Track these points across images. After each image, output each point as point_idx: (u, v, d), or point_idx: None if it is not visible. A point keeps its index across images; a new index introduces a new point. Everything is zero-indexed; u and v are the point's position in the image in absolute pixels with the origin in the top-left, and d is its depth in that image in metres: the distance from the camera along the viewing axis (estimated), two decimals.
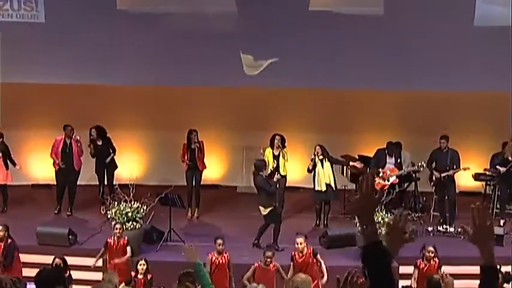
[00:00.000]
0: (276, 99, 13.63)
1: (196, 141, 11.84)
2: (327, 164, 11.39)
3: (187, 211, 11.99)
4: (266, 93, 13.31)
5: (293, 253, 8.92)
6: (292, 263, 8.87)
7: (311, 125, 13.63)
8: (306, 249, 8.90)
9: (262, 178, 10.53)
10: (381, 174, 11.63)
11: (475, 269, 8.69)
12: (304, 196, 12.41)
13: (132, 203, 10.05)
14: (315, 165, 11.38)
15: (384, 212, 9.93)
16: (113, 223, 9.86)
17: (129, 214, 9.99)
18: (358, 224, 2.33)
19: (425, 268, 8.70)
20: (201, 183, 12.23)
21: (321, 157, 11.36)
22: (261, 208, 10.54)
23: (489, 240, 2.65)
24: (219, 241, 8.86)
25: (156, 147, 13.84)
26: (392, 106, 13.47)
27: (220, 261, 8.84)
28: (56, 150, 11.92)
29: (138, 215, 10.08)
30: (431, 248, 8.59)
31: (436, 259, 8.64)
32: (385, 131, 12.98)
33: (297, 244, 8.86)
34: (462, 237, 10.82)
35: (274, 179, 10.61)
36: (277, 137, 11.76)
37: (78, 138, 11.92)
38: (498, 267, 2.91)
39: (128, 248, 9.29)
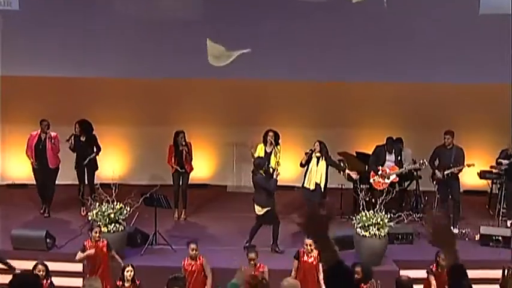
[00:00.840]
0: (269, 93, 13.62)
1: (184, 144, 11.79)
2: (322, 162, 11.31)
3: (174, 212, 11.97)
4: (258, 86, 13.27)
5: (300, 251, 8.83)
6: (296, 262, 8.75)
7: (306, 120, 13.65)
8: (315, 251, 8.78)
9: (262, 177, 10.50)
10: (380, 173, 11.63)
11: (482, 273, 8.63)
12: (298, 194, 12.34)
13: (115, 203, 9.97)
14: (309, 161, 11.34)
15: (384, 213, 9.89)
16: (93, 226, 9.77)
17: (112, 216, 9.91)
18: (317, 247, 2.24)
19: (438, 275, 8.59)
20: (189, 182, 12.19)
21: (318, 154, 11.30)
22: (257, 207, 10.50)
23: (449, 241, 2.71)
24: (192, 246, 8.74)
25: (141, 144, 13.81)
26: (393, 100, 13.47)
27: (194, 268, 8.75)
28: (30, 146, 11.84)
29: (121, 217, 10.01)
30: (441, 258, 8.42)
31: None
32: (385, 126, 12.98)
33: (306, 245, 8.77)
34: (467, 238, 10.84)
35: (274, 177, 10.54)
36: (270, 133, 11.70)
37: (54, 134, 11.79)
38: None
39: (113, 252, 9.11)
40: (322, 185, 11.30)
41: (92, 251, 8.93)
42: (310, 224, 2.57)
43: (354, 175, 11.49)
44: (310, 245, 8.73)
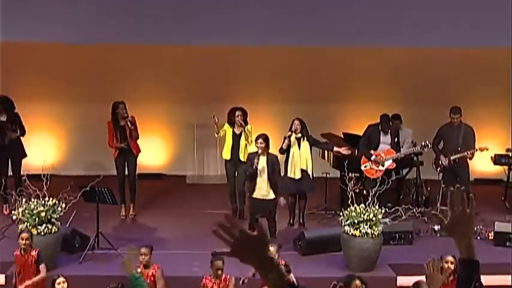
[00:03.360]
0: (238, 62, 13.58)
1: (126, 116, 11.71)
2: (304, 144, 11.34)
3: (121, 209, 11.95)
4: (224, 53, 13.21)
5: None
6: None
7: (283, 94, 13.68)
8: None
9: (253, 155, 10.57)
10: (373, 158, 11.66)
11: (496, 280, 8.63)
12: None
13: (46, 199, 9.86)
14: (289, 145, 11.32)
15: (377, 207, 9.92)
16: (19, 227, 9.64)
17: (42, 214, 9.76)
18: (258, 273, 2.27)
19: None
20: (140, 171, 12.21)
21: (299, 135, 11.33)
22: None
23: (468, 231, 2.87)
24: (143, 250, 8.61)
25: (78, 126, 13.75)
26: (388, 69, 13.53)
27: (146, 278, 8.57)
28: None
29: (55, 215, 9.89)
30: (450, 258, 8.22)
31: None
32: (379, 101, 13.05)
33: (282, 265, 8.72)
34: (479, 237, 10.89)
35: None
36: (237, 112, 11.70)
37: None
38: None
39: (42, 266, 8.91)
40: (310, 171, 11.31)
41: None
42: (238, 246, 2.60)
43: (345, 151, 11.50)
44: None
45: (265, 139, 10.52)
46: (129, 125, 11.68)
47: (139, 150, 11.98)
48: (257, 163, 10.40)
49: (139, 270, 8.56)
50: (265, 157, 10.47)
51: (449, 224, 2.87)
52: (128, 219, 11.98)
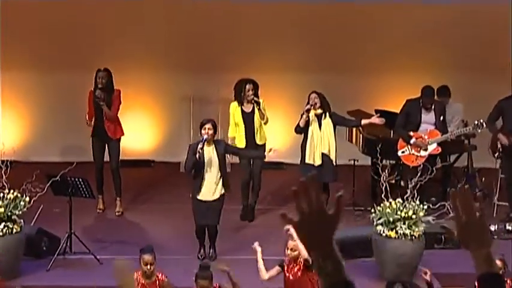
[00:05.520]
0: (243, 22, 13.59)
1: (104, 85, 11.60)
2: (326, 122, 11.35)
3: (97, 201, 11.93)
4: (227, 12, 13.31)
5: (285, 261, 8.76)
6: (279, 269, 8.72)
7: (298, 61, 13.59)
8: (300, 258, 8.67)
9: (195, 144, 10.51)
10: (413, 141, 11.53)
11: None
12: (289, 176, 12.26)
13: (6, 191, 9.93)
14: (308, 123, 11.24)
15: (418, 202, 9.85)
16: None
17: (1, 210, 9.80)
18: (312, 257, 2.54)
19: None
20: (124, 157, 12.27)
21: (319, 111, 11.29)
22: None
23: (484, 239, 2.86)
24: (146, 257, 8.49)
25: (47, 99, 13.72)
26: (431, 30, 13.38)
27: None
28: None
29: (17, 212, 9.92)
30: (497, 262, 8.23)
31: (508, 280, 8.28)
32: (420, 70, 12.99)
33: (289, 249, 8.55)
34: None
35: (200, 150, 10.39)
36: (248, 85, 11.58)
37: None
38: None
39: None
40: (333, 156, 11.31)
41: None
42: (308, 221, 2.70)
43: (378, 120, 11.50)
44: (292, 249, 8.56)
45: (214, 125, 10.51)
46: (99, 102, 11.52)
47: (121, 133, 11.89)
48: (201, 153, 10.27)
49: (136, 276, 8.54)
50: (212, 146, 10.41)
51: (460, 235, 2.89)
52: (107, 216, 11.98)
